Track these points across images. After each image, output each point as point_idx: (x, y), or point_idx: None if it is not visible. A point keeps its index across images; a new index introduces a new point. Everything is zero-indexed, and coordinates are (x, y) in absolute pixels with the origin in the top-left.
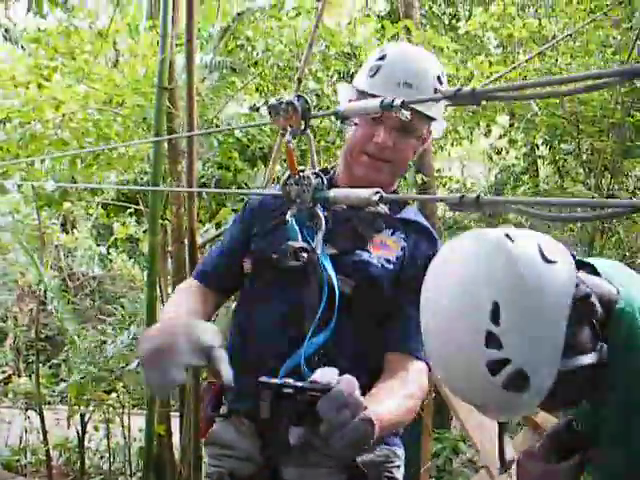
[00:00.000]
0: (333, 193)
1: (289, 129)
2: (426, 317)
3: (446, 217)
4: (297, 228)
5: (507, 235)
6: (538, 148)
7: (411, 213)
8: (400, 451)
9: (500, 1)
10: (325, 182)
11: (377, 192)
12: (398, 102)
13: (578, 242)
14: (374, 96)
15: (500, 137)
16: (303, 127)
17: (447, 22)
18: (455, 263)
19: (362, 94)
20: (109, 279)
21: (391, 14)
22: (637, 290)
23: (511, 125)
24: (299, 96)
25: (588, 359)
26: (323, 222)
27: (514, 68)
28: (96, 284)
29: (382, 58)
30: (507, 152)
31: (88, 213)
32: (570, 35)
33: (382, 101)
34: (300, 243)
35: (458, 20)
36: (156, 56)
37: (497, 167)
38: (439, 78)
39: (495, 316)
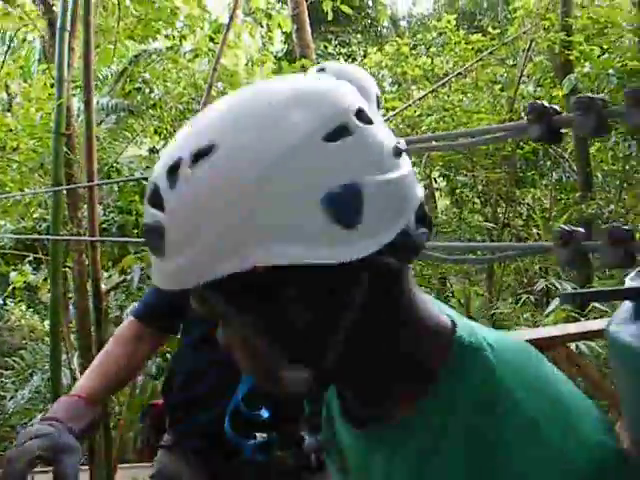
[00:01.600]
0: None
1: None
2: None
3: None
4: None
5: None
6: (435, 181)
7: None
8: None
9: (394, 41)
10: None
11: None
12: None
13: (478, 270)
14: None
15: None
16: None
17: (343, 61)
18: None
19: None
20: (7, 331)
21: (287, 55)
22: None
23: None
24: None
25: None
26: None
27: (409, 105)
28: None
29: (322, 70)
30: None
31: None
32: (460, 73)
33: None
34: None
35: (354, 60)
36: (51, 100)
37: None
38: (377, 98)
39: None
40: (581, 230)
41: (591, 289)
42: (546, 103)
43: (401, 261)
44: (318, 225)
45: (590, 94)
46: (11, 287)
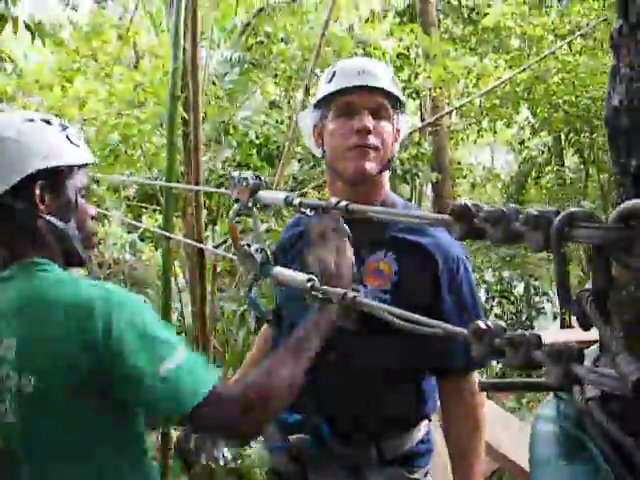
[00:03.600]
0: (275, 271)
1: (235, 206)
2: None
3: None
4: (255, 301)
5: None
6: (561, 141)
7: (405, 225)
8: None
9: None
10: (269, 255)
11: (310, 279)
12: (297, 201)
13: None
14: (336, 93)
15: (522, 128)
16: (251, 204)
17: (466, 15)
18: None
19: (324, 104)
20: (141, 265)
21: (410, 8)
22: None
23: (530, 122)
24: (257, 176)
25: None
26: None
27: (524, 70)
28: (127, 271)
29: (334, 67)
30: (529, 139)
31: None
32: (582, 35)
33: (286, 197)
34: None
35: (477, 13)
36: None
37: (521, 157)
38: (392, 77)
39: None
40: (499, 325)
41: (508, 380)
42: (469, 203)
43: None
44: None
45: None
46: (141, 230)
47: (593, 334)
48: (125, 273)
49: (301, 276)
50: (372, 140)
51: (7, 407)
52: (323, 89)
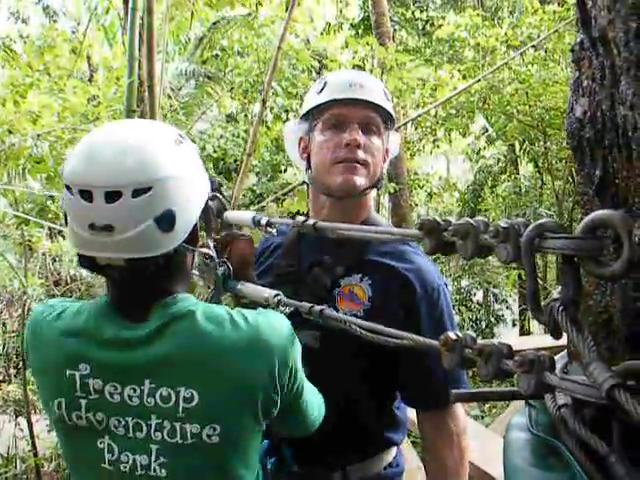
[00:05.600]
0: (240, 285)
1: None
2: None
3: None
4: None
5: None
6: (515, 151)
7: (385, 249)
8: None
9: (471, 9)
10: (231, 269)
11: (277, 294)
12: (264, 221)
13: None
14: (326, 105)
15: (477, 137)
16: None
17: (421, 27)
18: None
19: (312, 116)
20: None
21: (365, 20)
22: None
23: (486, 131)
24: (215, 196)
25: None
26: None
27: (478, 80)
28: (84, 288)
29: (325, 78)
30: (485, 149)
31: None
32: (534, 46)
33: (253, 217)
34: None
35: (432, 25)
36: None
37: (477, 166)
38: (384, 91)
39: None
40: (470, 335)
41: (481, 389)
42: (438, 218)
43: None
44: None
45: (471, 220)
46: None
47: (549, 340)
48: (82, 290)
49: (267, 291)
50: (361, 155)
51: (153, 459)
52: (312, 100)
